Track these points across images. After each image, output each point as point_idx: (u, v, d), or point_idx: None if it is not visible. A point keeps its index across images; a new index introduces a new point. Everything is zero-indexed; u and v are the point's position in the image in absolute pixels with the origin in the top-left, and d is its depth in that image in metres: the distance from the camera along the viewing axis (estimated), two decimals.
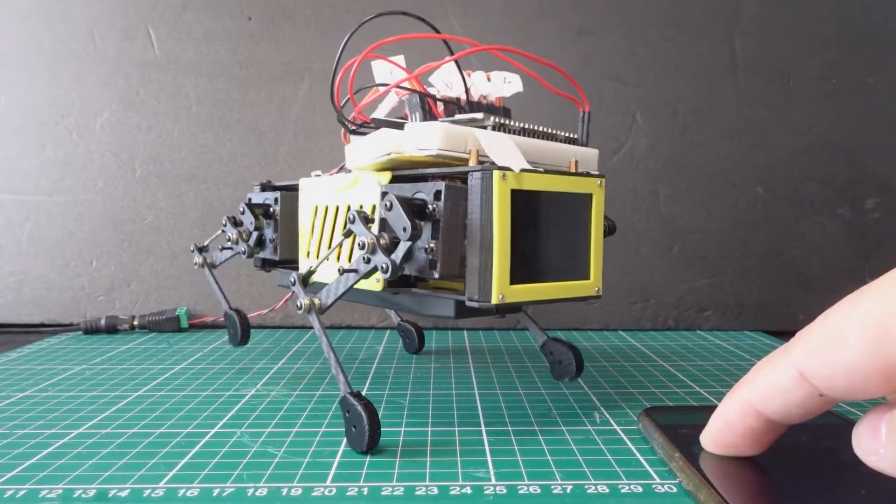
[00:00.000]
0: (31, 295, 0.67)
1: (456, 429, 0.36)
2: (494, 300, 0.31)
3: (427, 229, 0.32)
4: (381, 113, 0.40)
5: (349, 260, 0.38)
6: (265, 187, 0.48)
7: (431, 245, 0.32)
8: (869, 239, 0.67)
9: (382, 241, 0.32)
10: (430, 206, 0.32)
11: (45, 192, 0.67)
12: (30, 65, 0.66)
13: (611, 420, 0.37)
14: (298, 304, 0.36)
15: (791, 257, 0.67)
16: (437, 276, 0.32)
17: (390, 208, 0.32)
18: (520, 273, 0.32)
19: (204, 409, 0.40)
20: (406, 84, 0.37)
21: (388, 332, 0.65)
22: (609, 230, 0.38)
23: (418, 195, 0.33)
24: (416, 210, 0.32)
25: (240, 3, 0.66)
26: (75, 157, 0.67)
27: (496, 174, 0.31)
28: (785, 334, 0.64)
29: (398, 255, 0.32)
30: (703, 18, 0.66)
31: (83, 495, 0.28)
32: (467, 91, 0.38)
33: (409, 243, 0.32)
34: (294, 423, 0.37)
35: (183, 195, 0.67)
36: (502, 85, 0.40)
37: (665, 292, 0.67)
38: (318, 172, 0.44)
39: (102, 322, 0.63)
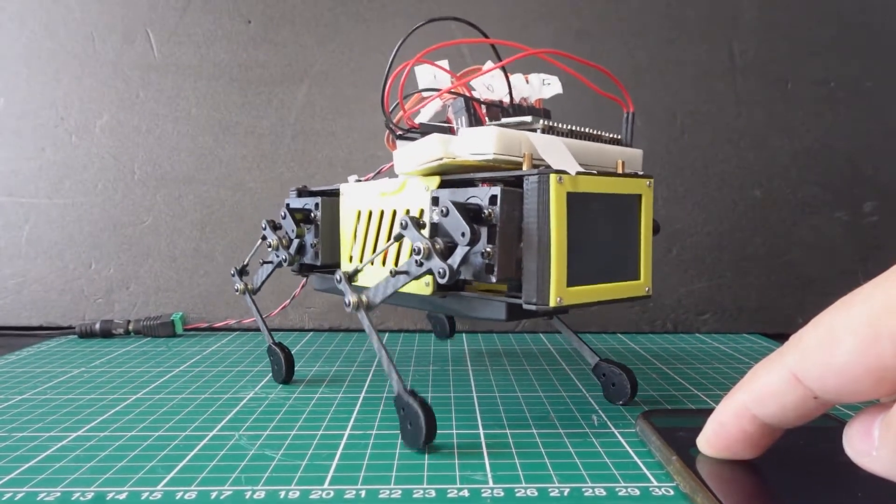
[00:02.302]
0: (29, 297, 0.67)
1: (454, 431, 0.36)
2: (552, 303, 0.31)
3: (483, 233, 0.32)
4: (424, 118, 0.40)
5: (395, 264, 0.38)
6: (302, 192, 0.48)
7: (488, 249, 0.32)
8: (867, 242, 0.67)
9: (437, 246, 0.32)
10: (485, 211, 0.32)
11: (44, 194, 0.67)
12: (29, 67, 0.66)
13: (608, 423, 0.38)
14: (347, 301, 0.35)
15: (789, 260, 0.67)
16: (494, 279, 0.32)
17: (447, 214, 0.32)
18: (575, 275, 0.32)
19: (202, 412, 0.40)
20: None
21: (387, 334, 0.65)
22: (655, 230, 0.37)
23: (472, 200, 0.33)
24: (471, 215, 0.32)
25: (239, 6, 0.66)
26: (74, 159, 0.67)
27: (552, 178, 0.31)
28: (783, 337, 0.63)
29: (455, 259, 0.32)
30: (701, 21, 0.66)
31: (81, 498, 0.28)
32: (511, 94, 0.38)
33: (468, 248, 0.32)
34: (292, 425, 0.37)
35: (182, 197, 0.67)
36: (541, 87, 0.40)
37: (663, 295, 0.67)
38: (356, 177, 0.44)
39: (97, 326, 0.63)
